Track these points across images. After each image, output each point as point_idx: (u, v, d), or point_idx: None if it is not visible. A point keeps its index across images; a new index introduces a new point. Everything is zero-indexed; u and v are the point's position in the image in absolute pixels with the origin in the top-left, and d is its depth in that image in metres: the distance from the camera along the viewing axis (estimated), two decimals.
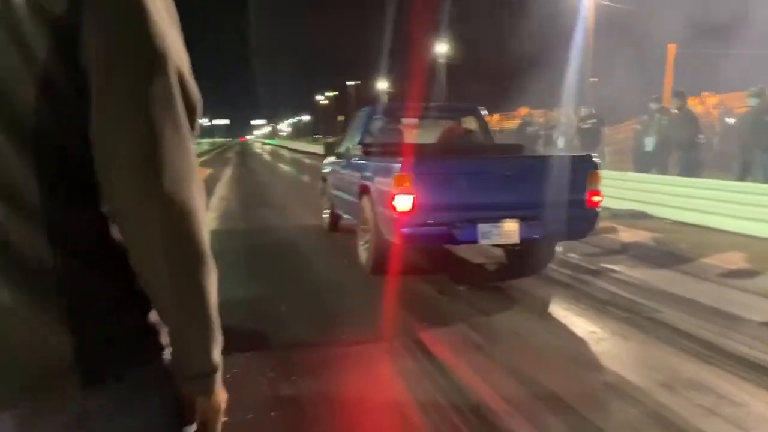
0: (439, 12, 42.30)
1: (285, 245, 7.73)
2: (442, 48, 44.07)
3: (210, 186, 16.37)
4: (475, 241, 5.31)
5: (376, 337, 4.20)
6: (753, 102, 9.03)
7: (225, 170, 23.95)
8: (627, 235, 7.98)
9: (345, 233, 7.91)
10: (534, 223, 5.33)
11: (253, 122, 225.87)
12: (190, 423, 1.09)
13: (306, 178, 19.45)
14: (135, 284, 0.92)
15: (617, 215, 9.45)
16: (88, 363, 0.89)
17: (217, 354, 1.01)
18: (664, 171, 10.32)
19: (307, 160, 32.93)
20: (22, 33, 0.81)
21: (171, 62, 0.87)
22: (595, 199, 5.47)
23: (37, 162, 0.84)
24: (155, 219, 0.87)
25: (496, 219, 5.27)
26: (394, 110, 8.06)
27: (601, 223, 8.62)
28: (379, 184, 5.67)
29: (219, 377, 1.03)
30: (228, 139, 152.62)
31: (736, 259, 6.40)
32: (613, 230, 8.31)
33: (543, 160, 6.29)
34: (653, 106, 10.70)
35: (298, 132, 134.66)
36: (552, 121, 14.81)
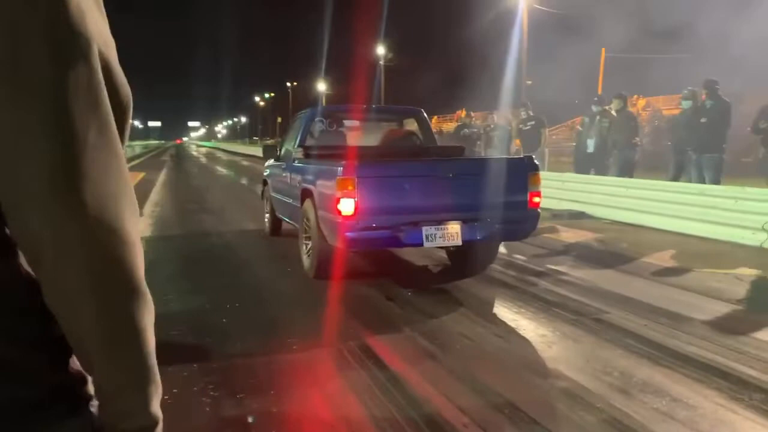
0: (380, 15, 42.34)
1: (225, 252, 7.45)
2: (381, 50, 44.17)
3: (144, 191, 15.76)
4: (420, 244, 5.24)
5: (324, 348, 4.04)
6: (686, 105, 9.32)
7: (159, 174, 23.14)
8: (568, 235, 8.09)
9: (287, 237, 7.70)
10: (476, 224, 5.32)
11: (190, 123, 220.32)
12: None
13: (244, 180, 19.03)
14: (52, 329, 0.75)
15: (557, 216, 9.60)
16: None
17: (156, 405, 0.84)
18: (603, 172, 10.54)
19: (245, 162, 32.33)
20: None
21: (93, 47, 0.69)
22: (536, 200, 5.52)
23: None
24: (77, 245, 0.69)
25: (440, 221, 5.23)
26: (335, 112, 7.91)
27: (543, 224, 8.71)
28: (322, 187, 5.52)
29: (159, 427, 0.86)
30: (162, 142, 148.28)
31: (674, 258, 6.55)
32: (555, 231, 8.41)
33: (485, 163, 6.30)
34: (595, 108, 10.93)
35: (236, 134, 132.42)
36: (491, 123, 14.97)
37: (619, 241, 7.56)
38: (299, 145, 6.91)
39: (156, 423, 0.83)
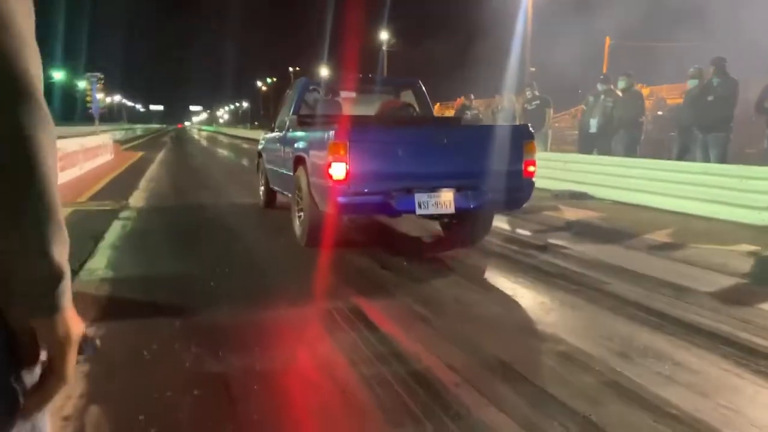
0: (384, 1, 41.93)
1: (218, 223, 7.30)
2: (384, 36, 43.82)
3: (141, 167, 15.62)
4: (412, 211, 5.10)
5: (313, 310, 3.90)
6: (692, 83, 9.11)
7: (158, 154, 22.95)
8: (569, 213, 7.92)
9: (281, 210, 7.55)
10: (470, 192, 5.19)
11: (192, 108, 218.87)
12: (31, 363, 0.76)
13: (245, 161, 18.84)
14: None
15: (558, 196, 9.44)
16: None
17: (59, 252, 0.68)
18: (606, 152, 10.34)
19: (245, 146, 32.11)
20: None
21: None
22: (531, 169, 5.38)
23: None
24: None
25: (433, 189, 5.10)
26: (331, 82, 7.72)
27: (544, 203, 8.59)
28: (314, 153, 5.38)
29: (66, 290, 0.71)
30: (164, 126, 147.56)
31: (676, 235, 6.38)
32: (556, 209, 8.25)
33: (479, 130, 6.14)
34: (600, 87, 10.70)
35: (237, 119, 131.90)
36: (498, 105, 14.76)
37: (621, 219, 7.39)
38: (293, 114, 6.75)
39: (60, 275, 0.68)
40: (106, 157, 17.49)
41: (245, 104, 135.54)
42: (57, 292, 0.69)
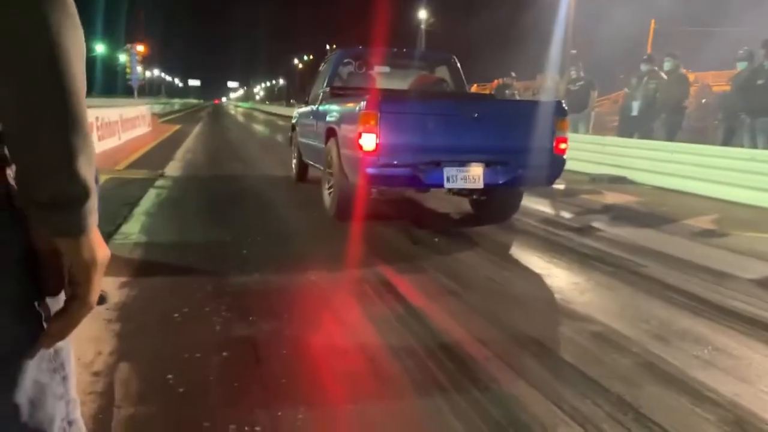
0: None
1: (251, 194, 7.33)
2: (422, 14, 43.31)
3: (177, 139, 15.79)
4: (440, 185, 5.04)
5: (343, 280, 3.88)
6: (741, 66, 8.78)
7: (195, 127, 23.18)
8: (608, 197, 7.74)
9: (313, 183, 7.54)
10: (499, 168, 5.12)
11: (229, 84, 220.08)
12: (54, 292, 0.73)
13: (279, 137, 18.89)
14: None
15: (597, 180, 9.23)
16: None
17: (86, 169, 0.64)
18: (647, 135, 10.05)
19: (280, 122, 32.19)
20: None
21: None
22: (563, 146, 5.28)
23: None
24: None
25: (462, 163, 5.02)
26: (365, 55, 7.65)
27: (581, 186, 8.42)
28: (345, 124, 5.35)
29: (92, 211, 0.67)
30: (201, 101, 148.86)
31: (717, 222, 6.19)
32: (594, 192, 8.07)
33: (511, 105, 6.01)
34: (644, 67, 10.38)
35: (272, 96, 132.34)
36: (537, 87, 14.49)
37: (661, 204, 7.19)
38: (327, 86, 6.71)
39: (87, 193, 0.64)
40: (144, 129, 17.71)
41: (281, 81, 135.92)
42: (83, 210, 0.65)
